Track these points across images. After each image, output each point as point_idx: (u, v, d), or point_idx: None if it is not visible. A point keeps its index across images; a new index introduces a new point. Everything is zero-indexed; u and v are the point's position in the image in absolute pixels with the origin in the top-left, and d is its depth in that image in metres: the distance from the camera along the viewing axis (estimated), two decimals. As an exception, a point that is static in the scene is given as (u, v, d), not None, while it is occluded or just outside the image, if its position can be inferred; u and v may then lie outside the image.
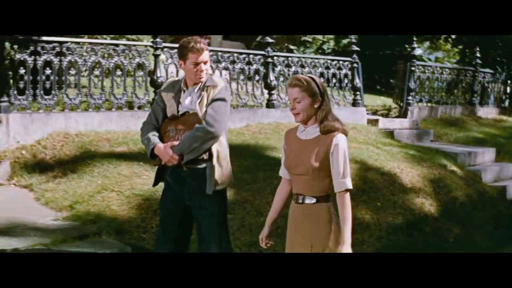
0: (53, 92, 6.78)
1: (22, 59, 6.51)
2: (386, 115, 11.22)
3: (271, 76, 8.73)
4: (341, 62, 9.95)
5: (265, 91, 8.83)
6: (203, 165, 3.39)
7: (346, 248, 3.05)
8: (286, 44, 14.64)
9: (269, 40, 8.88)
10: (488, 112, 13.02)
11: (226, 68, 8.30)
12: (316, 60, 9.67)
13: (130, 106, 7.42)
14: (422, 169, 7.65)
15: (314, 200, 3.11)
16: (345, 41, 15.27)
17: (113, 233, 4.70)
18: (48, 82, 6.74)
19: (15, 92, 6.52)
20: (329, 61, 9.83)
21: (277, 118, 8.63)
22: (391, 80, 15.90)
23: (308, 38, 14.77)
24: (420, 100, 11.46)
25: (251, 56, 8.71)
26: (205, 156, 3.37)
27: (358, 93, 10.03)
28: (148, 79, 7.44)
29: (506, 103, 14.10)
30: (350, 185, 3.12)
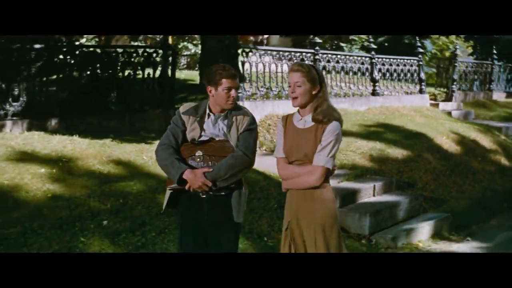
0: (263, 84, 9.86)
1: (246, 61, 9.49)
2: (434, 99, 14.69)
3: (375, 72, 12.04)
4: (411, 60, 13.37)
5: (371, 83, 12.14)
6: (226, 192, 3.36)
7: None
8: (336, 42, 17.91)
9: (373, 46, 12.22)
10: (499, 96, 16.74)
11: (351, 69, 11.54)
12: (398, 60, 13.02)
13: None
14: (489, 137, 11.17)
15: None
16: (381, 38, 18.73)
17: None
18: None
19: (243, 84, 9.48)
20: (405, 60, 13.21)
21: (382, 103, 11.92)
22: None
23: (354, 36, 18.05)
24: (459, 88, 15.04)
25: (362, 58, 12.02)
26: (234, 184, 3.37)
27: (423, 83, 13.49)
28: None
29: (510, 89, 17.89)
30: (328, 165, 3.10)
